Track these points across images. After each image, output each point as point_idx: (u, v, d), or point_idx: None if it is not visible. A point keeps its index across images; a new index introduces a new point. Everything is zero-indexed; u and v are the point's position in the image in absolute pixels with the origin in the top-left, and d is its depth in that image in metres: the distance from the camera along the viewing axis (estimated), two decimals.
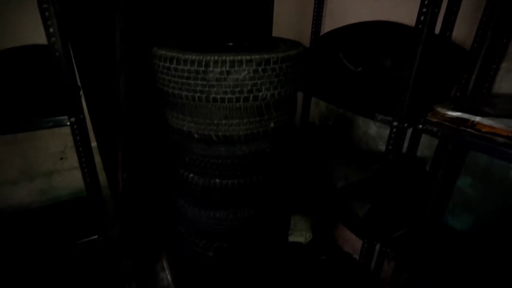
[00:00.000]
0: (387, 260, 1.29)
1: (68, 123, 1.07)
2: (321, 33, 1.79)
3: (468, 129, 0.92)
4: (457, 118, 0.95)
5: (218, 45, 1.41)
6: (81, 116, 1.10)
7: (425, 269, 1.14)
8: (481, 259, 1.20)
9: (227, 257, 1.43)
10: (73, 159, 1.51)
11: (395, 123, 1.06)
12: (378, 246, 1.31)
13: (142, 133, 1.57)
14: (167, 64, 1.09)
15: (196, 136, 1.20)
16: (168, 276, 1.49)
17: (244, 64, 1.03)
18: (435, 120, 1.00)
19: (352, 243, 2.02)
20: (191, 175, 1.32)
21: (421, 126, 1.02)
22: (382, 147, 1.63)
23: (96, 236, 1.31)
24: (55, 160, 1.47)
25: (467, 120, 0.94)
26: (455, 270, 1.15)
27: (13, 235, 1.32)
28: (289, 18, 1.81)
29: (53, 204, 1.48)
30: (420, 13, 0.90)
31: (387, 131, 1.59)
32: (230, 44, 1.42)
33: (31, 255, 1.31)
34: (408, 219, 1.34)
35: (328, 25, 1.78)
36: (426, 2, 0.88)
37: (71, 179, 1.53)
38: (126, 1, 1.22)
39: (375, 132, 1.66)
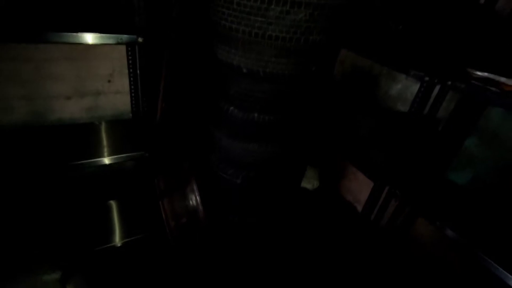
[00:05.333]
0: (394, 199, 1.51)
1: (141, 40, 1.17)
2: None
3: (493, 88, 1.07)
4: (484, 77, 1.10)
5: None
6: (148, 37, 1.20)
7: (426, 207, 1.35)
8: (470, 206, 1.42)
9: (252, 185, 1.63)
10: (118, 83, 1.62)
11: (427, 78, 1.20)
12: (386, 189, 1.52)
13: (184, 63, 1.66)
14: None
15: (244, 70, 1.32)
16: (198, 198, 1.69)
17: (303, 6, 1.13)
18: (463, 78, 1.14)
19: (354, 193, 2.24)
20: (232, 108, 1.46)
21: (450, 82, 1.16)
22: (401, 107, 1.78)
23: (143, 152, 1.48)
24: (103, 82, 1.58)
25: (492, 80, 1.08)
26: (449, 209, 1.37)
27: (71, 148, 1.46)
28: None
29: (100, 122, 1.62)
30: None
31: (408, 93, 1.73)
32: None
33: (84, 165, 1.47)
34: (416, 171, 1.53)
35: None
36: None
37: (114, 101, 1.65)
38: None
39: (396, 93, 1.79)
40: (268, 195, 1.71)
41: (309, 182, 2.33)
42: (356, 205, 2.23)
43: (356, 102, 1.88)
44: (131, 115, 1.70)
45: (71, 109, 1.55)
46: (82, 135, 1.49)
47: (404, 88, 1.73)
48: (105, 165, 1.43)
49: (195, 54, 1.65)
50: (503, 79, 1.06)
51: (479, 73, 1.11)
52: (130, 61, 1.47)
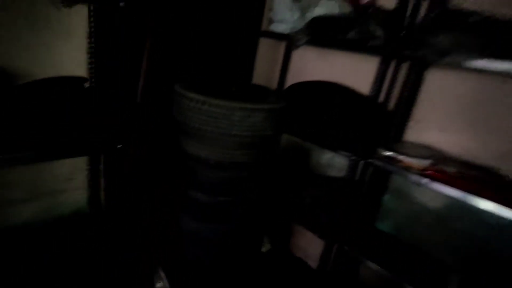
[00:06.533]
0: (344, 254, 1.79)
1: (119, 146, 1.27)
2: (285, 84, 2.33)
3: (396, 164, 1.51)
4: (390, 156, 1.54)
5: (223, 89, 1.77)
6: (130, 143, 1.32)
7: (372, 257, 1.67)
8: (395, 249, 1.81)
9: (221, 264, 1.72)
10: (79, 180, 1.61)
11: (353, 157, 1.61)
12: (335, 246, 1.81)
13: (148, 156, 1.75)
14: (199, 105, 1.41)
15: (211, 162, 1.51)
16: (167, 285, 1.68)
17: (260, 111, 1.43)
18: (377, 156, 1.57)
19: (303, 249, 2.49)
20: (199, 193, 1.60)
21: (369, 160, 1.58)
22: (331, 173, 2.19)
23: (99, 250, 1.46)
24: (63, 180, 1.55)
25: (395, 158, 1.53)
26: (384, 254, 1.72)
27: (21, 254, 1.35)
28: (262, 70, 2.29)
29: (57, 221, 1.55)
30: (372, 89, 1.49)
31: (336, 162, 2.16)
32: (233, 88, 1.80)
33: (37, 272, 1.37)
34: (354, 225, 1.88)
35: (290, 79, 2.33)
36: (376, 85, 1.46)
37: (74, 198, 1.62)
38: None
39: (326, 162, 2.22)
40: (234, 269, 1.81)
41: (263, 246, 2.50)
42: (307, 260, 2.47)
43: (296, 171, 2.23)
44: (89, 210, 1.67)
45: (27, 213, 1.46)
46: (37, 240, 1.40)
47: (331, 158, 2.16)
48: None
49: (159, 147, 1.77)
50: (401, 157, 1.51)
51: (386, 152, 1.55)
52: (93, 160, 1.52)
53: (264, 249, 2.53)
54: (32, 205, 1.46)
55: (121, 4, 1.22)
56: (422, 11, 1.55)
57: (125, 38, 1.49)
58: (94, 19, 1.36)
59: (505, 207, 1.17)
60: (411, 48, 1.37)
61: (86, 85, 1.42)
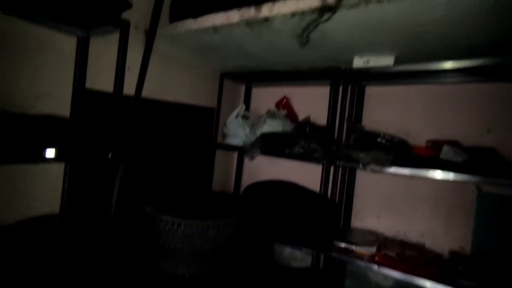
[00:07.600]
0: None
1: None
2: (241, 185, 2.60)
3: (350, 253, 1.77)
4: (344, 247, 1.80)
5: (190, 200, 1.93)
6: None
7: None
8: None
9: None
10: None
11: (314, 253, 1.83)
12: None
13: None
14: (174, 227, 1.53)
15: (187, 275, 1.57)
16: None
17: (229, 225, 1.61)
18: (334, 249, 1.82)
19: None
20: None
21: (328, 253, 1.82)
22: (294, 264, 2.36)
23: None
24: None
25: (348, 248, 1.80)
26: None
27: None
28: (220, 175, 2.55)
29: None
30: (321, 188, 1.81)
31: (297, 253, 2.35)
32: (199, 201, 1.97)
33: None
34: None
35: (246, 179, 2.62)
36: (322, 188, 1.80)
37: None
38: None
39: (288, 254, 2.39)
40: None
41: None
42: None
43: (261, 266, 2.33)
44: None
45: None
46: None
47: (292, 251, 2.35)
48: None
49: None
50: (353, 247, 1.79)
51: (341, 244, 1.82)
52: None
53: None
54: None
55: (110, 155, 1.40)
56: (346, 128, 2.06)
57: (96, 172, 1.63)
58: (70, 165, 1.50)
59: (435, 282, 1.47)
60: (342, 159, 1.78)
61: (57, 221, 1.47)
